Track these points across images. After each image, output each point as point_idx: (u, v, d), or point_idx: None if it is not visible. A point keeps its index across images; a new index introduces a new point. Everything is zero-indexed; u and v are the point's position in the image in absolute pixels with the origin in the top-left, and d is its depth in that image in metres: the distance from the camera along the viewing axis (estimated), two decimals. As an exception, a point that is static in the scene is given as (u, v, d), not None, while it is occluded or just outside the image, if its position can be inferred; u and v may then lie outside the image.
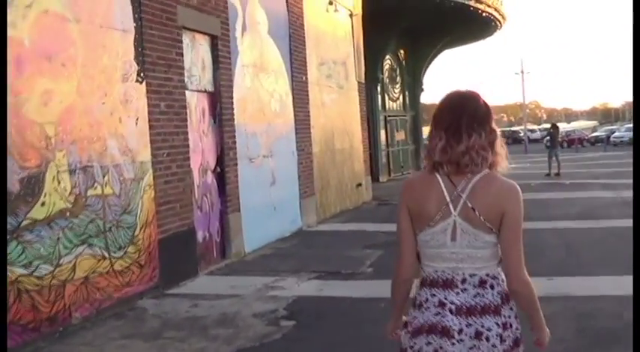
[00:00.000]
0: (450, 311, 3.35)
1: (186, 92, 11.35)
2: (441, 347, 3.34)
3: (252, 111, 13.91)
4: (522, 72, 71.77)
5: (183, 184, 10.99)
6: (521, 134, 71.81)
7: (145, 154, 10.05)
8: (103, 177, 9.07)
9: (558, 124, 38.07)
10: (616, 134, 66.30)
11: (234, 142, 12.89)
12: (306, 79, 17.10)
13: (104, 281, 8.94)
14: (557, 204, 18.74)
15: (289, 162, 15.82)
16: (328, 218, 18.04)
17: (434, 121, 3.45)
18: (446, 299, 3.38)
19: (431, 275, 3.45)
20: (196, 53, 11.89)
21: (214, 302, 9.47)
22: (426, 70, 37.18)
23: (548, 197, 20.34)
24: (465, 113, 3.36)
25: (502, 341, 3.33)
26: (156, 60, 10.42)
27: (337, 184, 19.30)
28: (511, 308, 3.40)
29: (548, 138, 31.80)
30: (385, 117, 32.54)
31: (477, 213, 3.31)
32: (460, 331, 3.32)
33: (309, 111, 17.12)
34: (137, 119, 9.90)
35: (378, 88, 31.54)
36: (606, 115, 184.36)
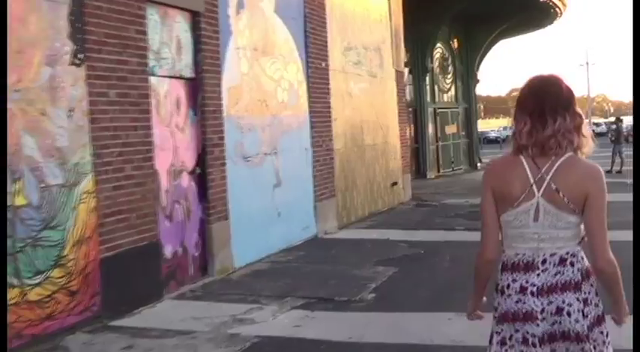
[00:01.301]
0: (532, 293, 3.42)
1: (152, 78, 9.40)
2: (527, 332, 3.43)
3: (249, 101, 11.91)
4: (587, 63, 69.06)
5: (142, 190, 9.06)
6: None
7: (82, 154, 8.10)
8: (13, 183, 7.16)
9: (623, 118, 35.44)
10: None
11: (222, 138, 10.90)
12: (327, 65, 15.04)
13: (11, 316, 7.02)
14: (614, 209, 16.04)
15: (301, 160, 13.79)
16: (353, 222, 16.01)
17: (518, 106, 3.52)
18: (527, 282, 3.44)
19: (512, 259, 3.52)
20: (169, 32, 9.93)
21: (156, 341, 7.51)
22: (481, 60, 34.73)
23: (606, 200, 17.85)
24: (548, 97, 3.44)
25: (584, 316, 3.39)
26: (104, 38, 8.48)
27: (366, 184, 17.23)
28: (591, 285, 3.47)
29: (612, 132, 29.30)
30: (435, 110, 30.31)
31: (560, 194, 3.40)
32: (542, 310, 3.40)
33: (329, 102, 15.06)
34: (71, 111, 7.97)
35: (427, 79, 29.38)
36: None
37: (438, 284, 9.94)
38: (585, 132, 3.48)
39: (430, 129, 29.55)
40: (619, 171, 26.08)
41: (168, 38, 9.89)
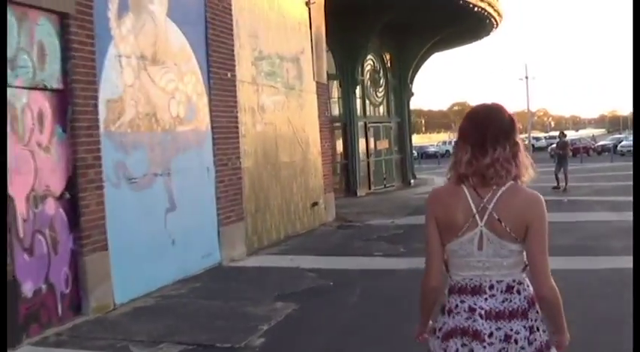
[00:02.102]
0: (480, 315, 3.44)
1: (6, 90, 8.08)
2: (472, 350, 3.41)
3: (135, 116, 10.59)
4: (527, 77, 69.03)
5: (-10, 220, 7.73)
6: (526, 142, 68.78)
7: None
8: None
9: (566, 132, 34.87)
10: (623, 143, 62.52)
11: (98, 158, 9.58)
12: (234, 76, 13.81)
13: None
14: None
15: (201, 180, 12.50)
16: (266, 247, 14.77)
17: (460, 134, 3.56)
18: (475, 304, 3.46)
19: (459, 283, 3.55)
20: (28, 36, 8.58)
21: (-18, 408, 6.21)
22: (415, 73, 33.63)
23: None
24: (490, 126, 3.46)
25: (530, 343, 3.41)
26: None
27: (282, 204, 16.01)
28: (537, 312, 3.48)
29: (554, 146, 28.50)
30: (366, 124, 29.21)
31: (502, 224, 3.41)
32: (490, 334, 3.41)
33: (236, 117, 13.83)
34: None
35: (357, 92, 28.30)
36: (614, 123, 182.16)
37: (339, 326, 8.71)
38: (523, 160, 3.47)
39: (361, 144, 28.41)
40: (555, 188, 25.23)
41: (27, 43, 8.55)
